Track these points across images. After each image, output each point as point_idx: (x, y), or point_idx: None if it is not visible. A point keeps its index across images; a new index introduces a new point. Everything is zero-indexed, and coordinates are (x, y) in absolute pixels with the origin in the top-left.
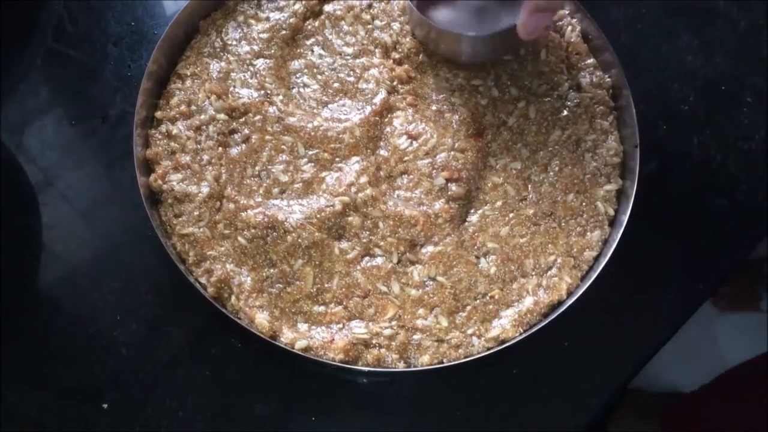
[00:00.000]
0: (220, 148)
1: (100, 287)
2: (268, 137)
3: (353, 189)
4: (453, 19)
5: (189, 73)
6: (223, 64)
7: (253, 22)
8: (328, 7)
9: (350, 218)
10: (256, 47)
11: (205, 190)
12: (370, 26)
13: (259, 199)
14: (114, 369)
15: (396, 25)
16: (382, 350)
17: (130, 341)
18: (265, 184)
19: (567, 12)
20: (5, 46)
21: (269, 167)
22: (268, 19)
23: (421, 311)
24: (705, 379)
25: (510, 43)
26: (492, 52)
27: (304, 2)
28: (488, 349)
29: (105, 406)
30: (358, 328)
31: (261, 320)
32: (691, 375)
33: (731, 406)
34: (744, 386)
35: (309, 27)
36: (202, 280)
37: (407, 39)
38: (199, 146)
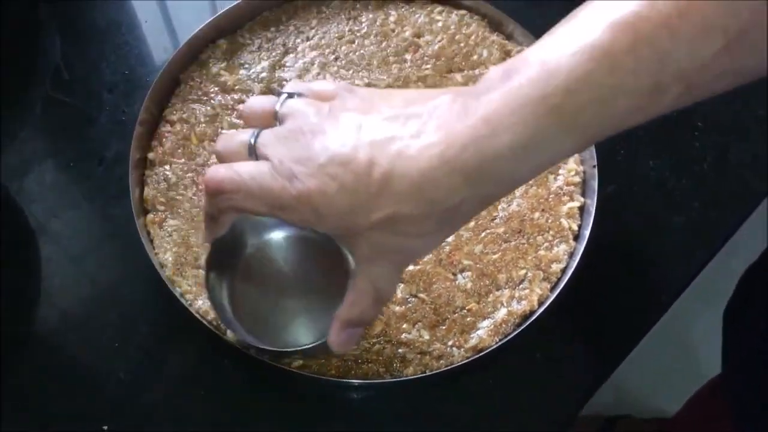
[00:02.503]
0: None
1: (98, 319)
2: None
3: None
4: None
5: (176, 119)
6: (208, 108)
7: (225, 73)
8: (290, 62)
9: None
10: (236, 96)
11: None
12: (338, 76)
13: None
14: (113, 395)
15: (364, 73)
16: (371, 365)
17: (128, 368)
18: None
19: (525, 48)
20: (5, 94)
21: None
22: (238, 69)
23: (405, 326)
24: (687, 394)
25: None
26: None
27: (268, 61)
28: (467, 358)
29: (105, 428)
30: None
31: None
32: (675, 393)
33: (712, 425)
34: (719, 402)
35: (278, 76)
36: (201, 314)
37: (380, 81)
38: (196, 188)
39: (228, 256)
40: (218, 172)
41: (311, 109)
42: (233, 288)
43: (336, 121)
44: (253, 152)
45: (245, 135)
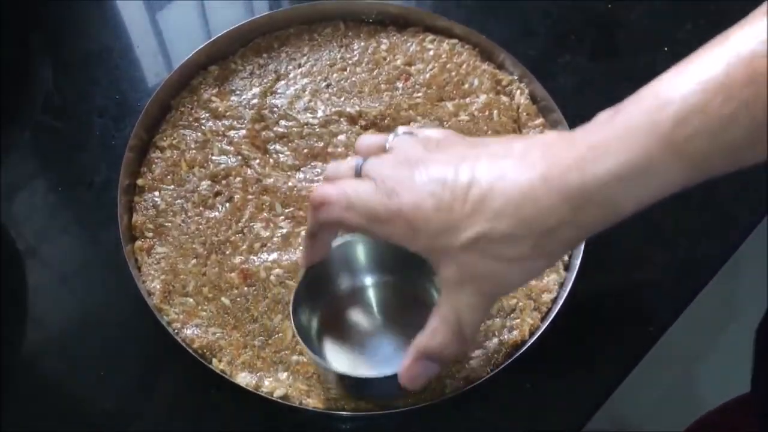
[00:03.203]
0: (207, 212)
1: (85, 346)
2: (249, 197)
3: None
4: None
5: (167, 145)
6: (199, 134)
7: (216, 99)
8: (282, 88)
9: None
10: (226, 122)
11: (192, 262)
12: (329, 103)
13: (243, 257)
14: (99, 425)
15: (355, 100)
16: (360, 402)
17: (112, 395)
18: (248, 240)
19: (516, 77)
20: None
21: (251, 224)
22: (230, 96)
23: None
24: (681, 422)
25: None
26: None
27: (259, 87)
28: (459, 388)
29: None
30: (334, 388)
31: (243, 378)
32: (668, 422)
33: None
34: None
35: (270, 102)
36: (187, 342)
37: (371, 108)
38: (185, 215)
39: (317, 287)
40: (326, 186)
41: (420, 145)
42: (320, 321)
43: (442, 154)
44: (359, 175)
45: (354, 161)
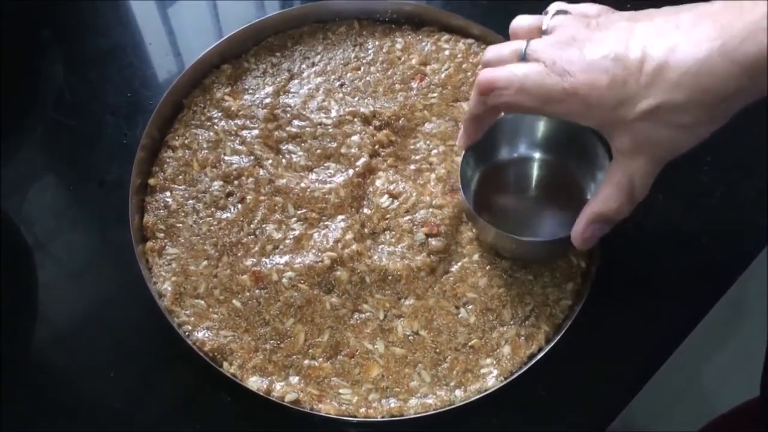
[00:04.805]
0: (218, 212)
1: (94, 345)
2: (261, 198)
3: (340, 245)
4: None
5: (179, 144)
6: (211, 134)
7: (229, 98)
8: (295, 87)
9: (338, 273)
10: (239, 122)
11: (203, 263)
12: (343, 102)
13: (255, 259)
14: (107, 425)
15: (369, 100)
16: (370, 410)
17: (122, 396)
18: (260, 242)
19: None
20: (7, 116)
21: (263, 225)
22: (242, 95)
23: (406, 371)
24: (694, 428)
25: (559, 251)
26: (539, 255)
27: (273, 86)
28: (472, 396)
29: None
30: (345, 393)
31: (254, 382)
32: (681, 426)
33: None
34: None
35: (283, 102)
36: (198, 345)
37: (385, 108)
38: (197, 215)
39: (479, 154)
40: (492, 71)
41: (580, 23)
42: (477, 182)
43: (606, 30)
44: (523, 58)
45: (515, 44)
